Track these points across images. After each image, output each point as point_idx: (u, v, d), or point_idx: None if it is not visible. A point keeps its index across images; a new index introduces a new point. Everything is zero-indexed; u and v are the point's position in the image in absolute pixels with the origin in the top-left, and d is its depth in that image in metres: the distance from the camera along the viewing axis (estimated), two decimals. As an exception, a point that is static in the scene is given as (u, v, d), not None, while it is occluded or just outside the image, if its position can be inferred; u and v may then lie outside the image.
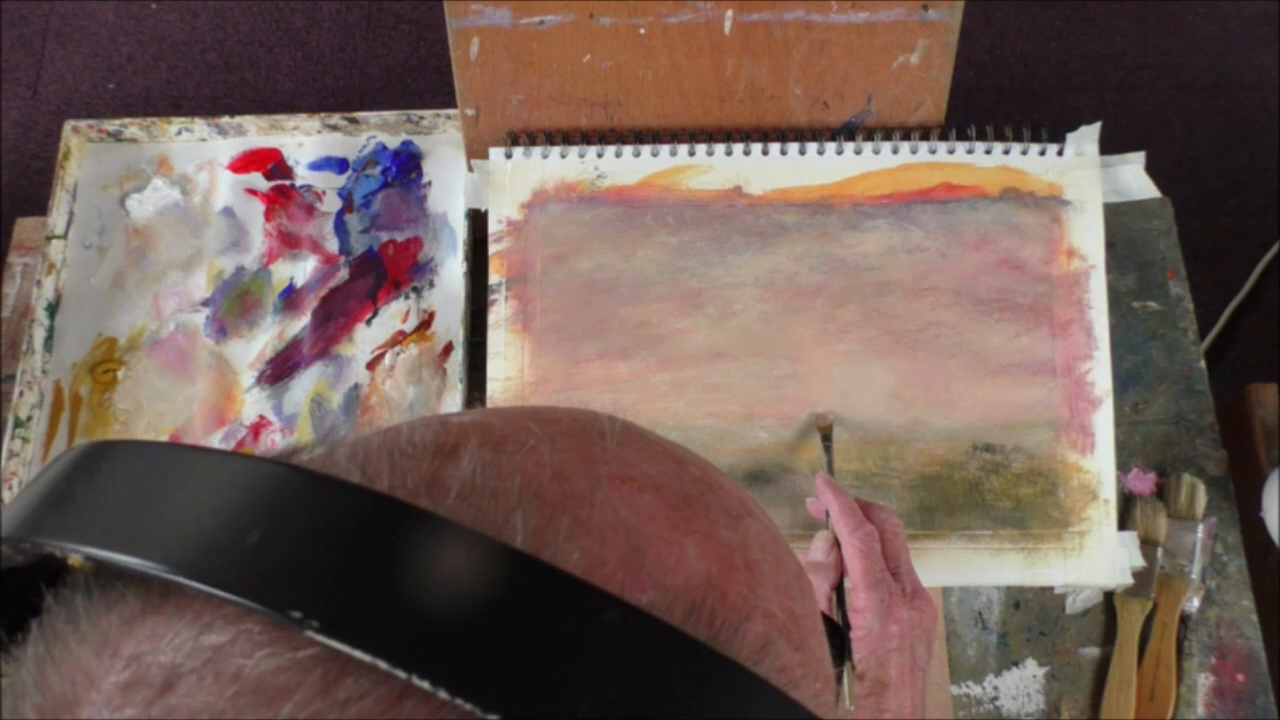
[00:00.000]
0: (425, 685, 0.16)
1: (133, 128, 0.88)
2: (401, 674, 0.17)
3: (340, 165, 0.88)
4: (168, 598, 0.19)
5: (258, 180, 0.87)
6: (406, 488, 0.21)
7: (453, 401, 0.80)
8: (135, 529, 0.19)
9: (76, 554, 0.19)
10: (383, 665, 0.17)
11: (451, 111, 0.85)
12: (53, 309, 0.84)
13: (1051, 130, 0.79)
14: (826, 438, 0.75)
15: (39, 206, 0.87)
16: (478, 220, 0.84)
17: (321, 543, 0.18)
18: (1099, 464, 0.75)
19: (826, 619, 0.26)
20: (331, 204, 0.86)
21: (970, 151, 0.79)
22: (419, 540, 0.18)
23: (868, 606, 0.59)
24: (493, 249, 0.78)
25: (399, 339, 0.82)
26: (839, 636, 0.59)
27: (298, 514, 0.19)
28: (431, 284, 0.84)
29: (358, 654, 0.17)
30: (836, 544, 0.64)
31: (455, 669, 0.17)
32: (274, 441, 0.80)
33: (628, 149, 0.79)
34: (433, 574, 0.18)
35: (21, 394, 0.80)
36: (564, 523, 0.21)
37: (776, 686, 0.20)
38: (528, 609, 0.18)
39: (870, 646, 0.58)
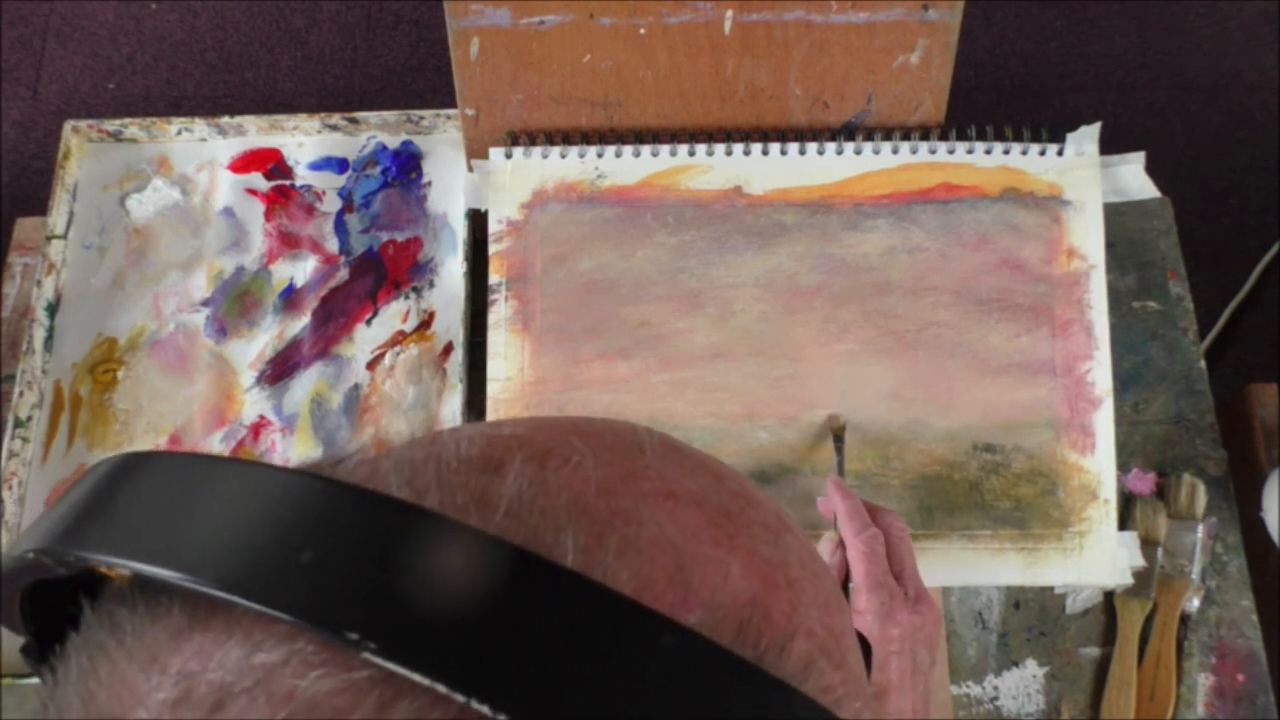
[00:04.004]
0: (485, 709, 0.16)
1: (133, 128, 0.88)
2: (460, 697, 0.16)
3: (340, 165, 0.88)
4: (215, 613, 0.19)
5: (258, 180, 0.87)
6: (455, 505, 0.21)
7: (453, 401, 0.80)
8: (184, 544, 0.19)
9: (124, 569, 0.19)
10: (441, 688, 0.17)
11: (451, 111, 0.85)
12: (53, 309, 0.84)
13: (1051, 130, 0.79)
14: (839, 439, 0.75)
15: (39, 206, 0.87)
16: (478, 220, 0.84)
17: (375, 562, 0.18)
18: (1099, 464, 0.75)
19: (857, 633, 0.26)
20: (331, 204, 0.86)
21: (970, 151, 0.79)
22: (472, 560, 0.18)
23: (868, 609, 0.59)
24: (493, 249, 0.78)
25: (399, 339, 0.82)
26: (867, 650, 0.59)
27: (350, 533, 0.19)
28: (431, 284, 0.84)
29: (416, 677, 0.17)
30: (842, 545, 0.64)
31: (513, 693, 0.17)
32: (274, 442, 0.80)
33: (628, 149, 0.79)
34: (486, 595, 0.18)
35: (21, 394, 0.80)
36: (613, 541, 0.20)
37: (824, 707, 0.20)
38: (584, 634, 0.18)
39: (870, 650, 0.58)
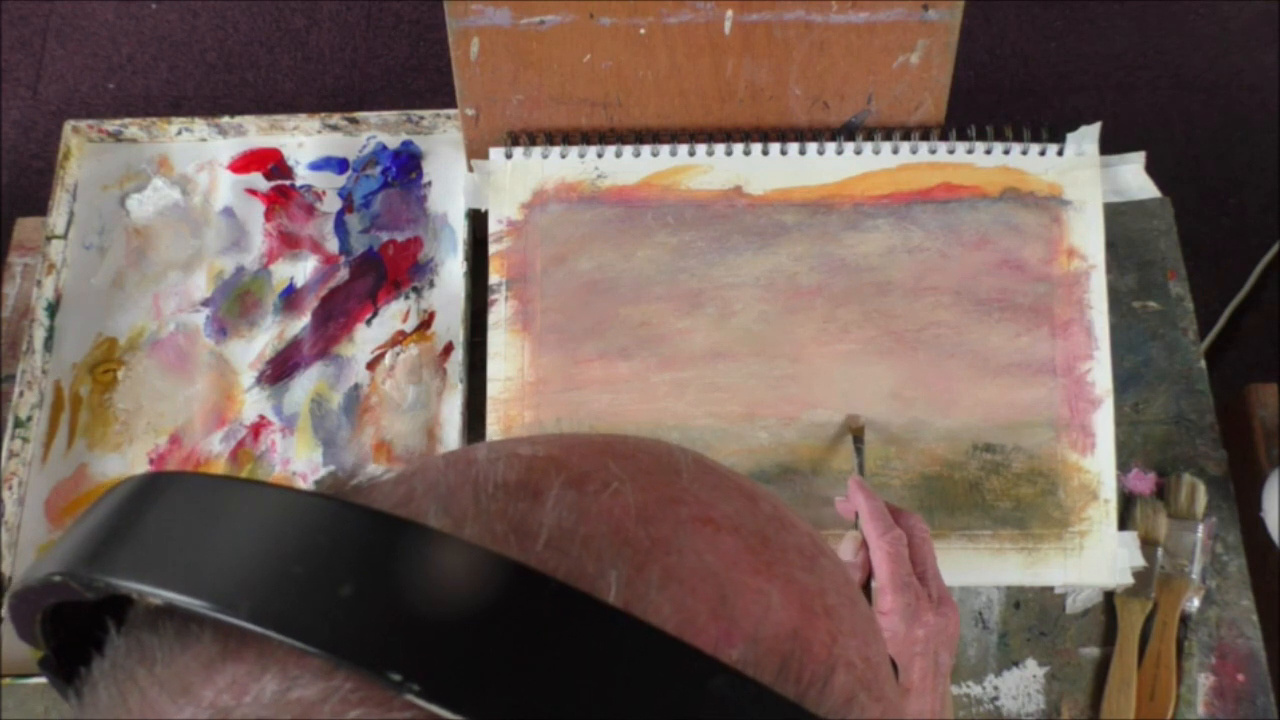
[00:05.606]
0: None
1: (133, 128, 0.88)
2: None
3: (340, 165, 0.88)
4: (247, 643, 0.19)
5: (258, 180, 0.87)
6: (495, 534, 0.20)
7: (453, 401, 0.80)
8: (217, 573, 0.18)
9: (156, 598, 0.19)
10: None
11: (451, 111, 0.85)
12: (53, 309, 0.84)
13: (1051, 130, 0.79)
14: (859, 439, 0.75)
15: (39, 206, 0.87)
16: (478, 220, 0.84)
17: (418, 598, 0.18)
18: (1099, 464, 0.75)
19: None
20: (331, 204, 0.86)
21: (970, 151, 0.79)
22: (515, 598, 0.18)
23: (895, 609, 0.59)
24: (493, 249, 0.78)
25: (399, 339, 0.82)
26: (894, 672, 0.58)
27: (391, 565, 0.18)
28: (431, 284, 0.84)
29: None
30: (864, 545, 0.64)
31: None
32: (274, 442, 0.80)
33: (628, 149, 0.79)
34: (531, 637, 0.17)
35: (21, 394, 0.80)
36: (654, 573, 0.20)
37: None
38: (633, 679, 0.17)
39: (895, 650, 0.58)
